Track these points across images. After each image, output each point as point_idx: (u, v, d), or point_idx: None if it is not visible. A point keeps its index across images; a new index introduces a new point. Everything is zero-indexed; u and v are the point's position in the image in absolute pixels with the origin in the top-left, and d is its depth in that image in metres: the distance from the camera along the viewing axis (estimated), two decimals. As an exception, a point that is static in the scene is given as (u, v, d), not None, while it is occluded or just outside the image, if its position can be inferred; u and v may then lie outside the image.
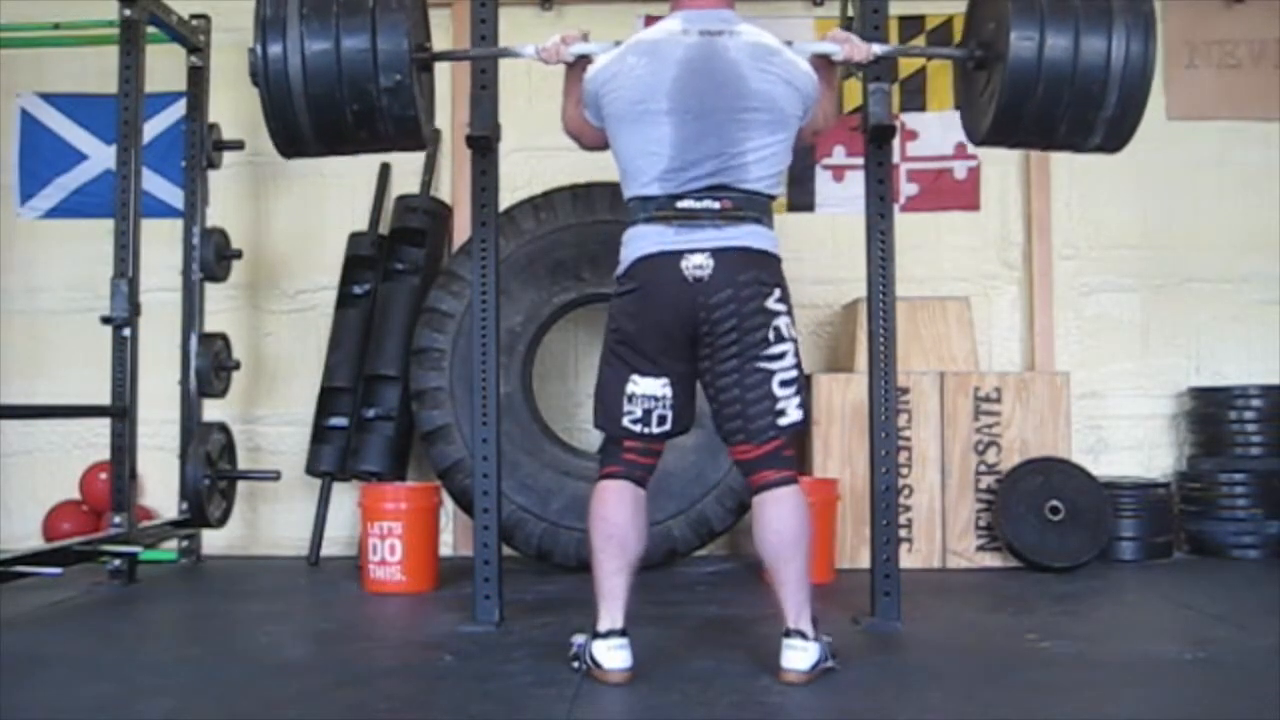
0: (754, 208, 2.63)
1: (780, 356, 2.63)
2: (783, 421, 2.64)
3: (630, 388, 2.67)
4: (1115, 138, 2.90)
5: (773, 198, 2.70)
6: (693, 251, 2.57)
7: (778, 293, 2.64)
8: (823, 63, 2.86)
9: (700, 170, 2.60)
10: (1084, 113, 2.82)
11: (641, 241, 2.64)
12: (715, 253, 2.57)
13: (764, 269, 2.63)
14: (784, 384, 2.64)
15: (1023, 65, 2.76)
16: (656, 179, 2.62)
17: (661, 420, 2.68)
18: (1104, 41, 2.75)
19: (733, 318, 2.59)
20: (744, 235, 2.61)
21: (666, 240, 2.60)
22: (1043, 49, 2.75)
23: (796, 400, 2.66)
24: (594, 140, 2.85)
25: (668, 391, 2.67)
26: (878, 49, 2.97)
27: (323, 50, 2.74)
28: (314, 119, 2.80)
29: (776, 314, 2.63)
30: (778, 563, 2.63)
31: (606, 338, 2.77)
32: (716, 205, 2.59)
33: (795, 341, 2.68)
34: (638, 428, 2.68)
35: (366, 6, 2.76)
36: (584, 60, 2.84)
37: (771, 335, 2.62)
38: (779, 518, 2.63)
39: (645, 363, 2.66)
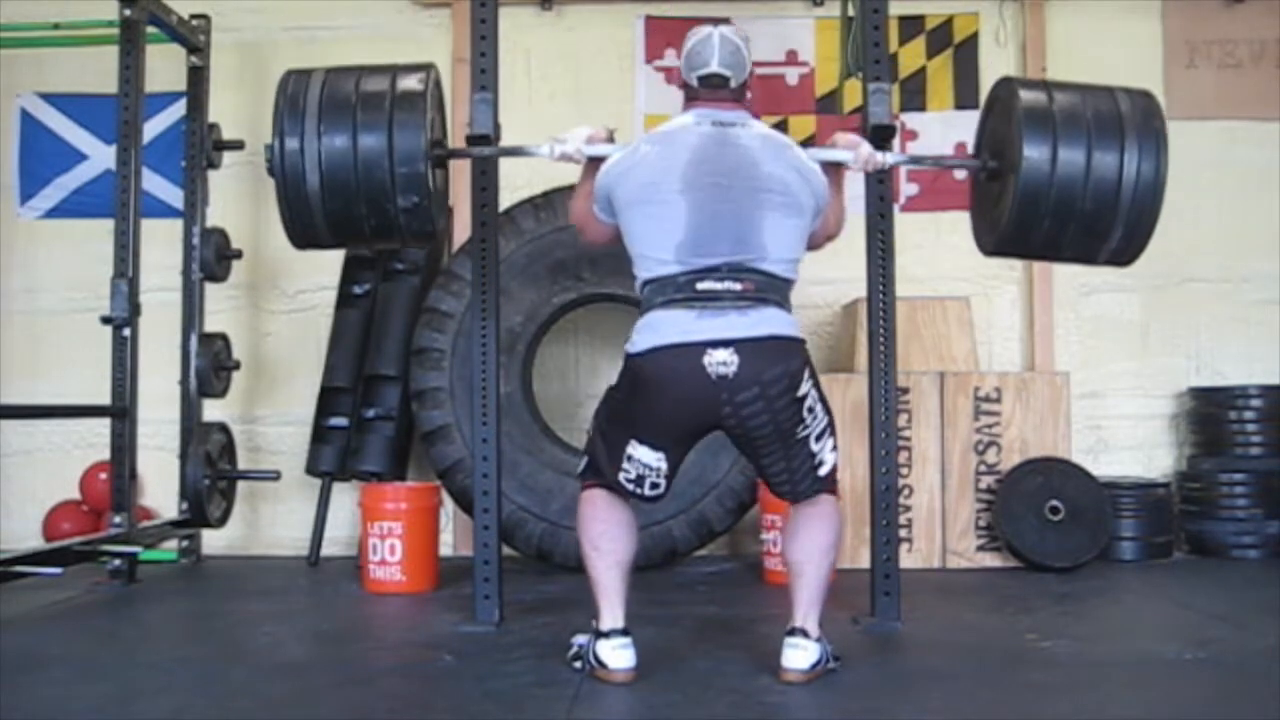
0: (774, 291, 2.56)
1: (813, 421, 2.61)
2: (822, 472, 2.65)
3: (630, 449, 2.63)
4: (1124, 255, 2.90)
5: (791, 282, 2.62)
6: (716, 345, 2.47)
7: (805, 373, 2.58)
8: (831, 169, 2.82)
9: (717, 247, 2.53)
10: (1094, 230, 2.82)
11: (660, 328, 2.54)
12: (739, 346, 2.48)
13: (790, 359, 2.55)
14: (818, 438, 2.63)
15: (1034, 182, 2.76)
16: (673, 255, 2.54)
17: (654, 486, 2.67)
18: (1115, 157, 2.75)
19: (764, 413, 2.52)
20: (767, 321, 2.53)
21: (688, 330, 2.50)
22: (1054, 168, 2.74)
23: (830, 443, 2.66)
24: (597, 234, 2.81)
25: (663, 465, 2.65)
26: (890, 158, 2.97)
27: (341, 183, 2.74)
28: (333, 231, 2.83)
29: (806, 395, 2.58)
30: (802, 561, 2.65)
31: (610, 399, 2.72)
32: (738, 287, 2.51)
33: (818, 387, 2.63)
34: (630, 486, 2.67)
35: (383, 124, 2.74)
36: (599, 159, 2.79)
37: (805, 414, 2.59)
38: (816, 517, 2.66)
39: (647, 437, 2.62)
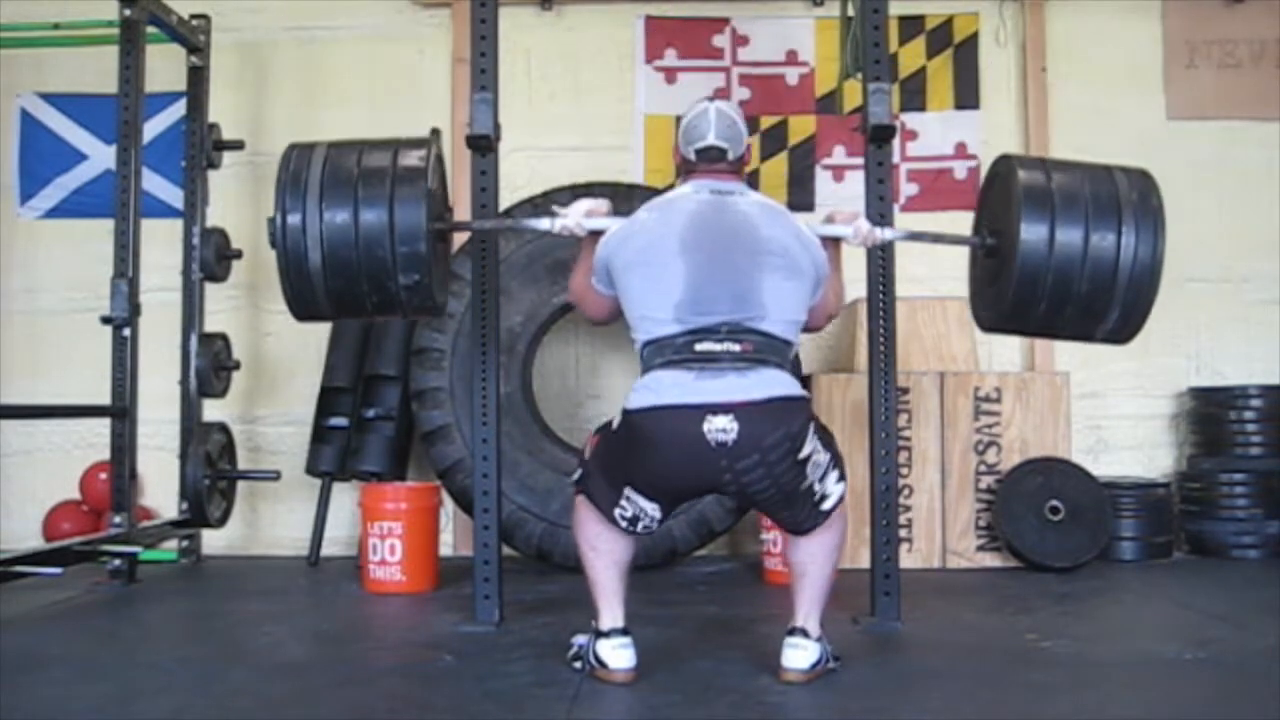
0: (774, 352, 2.53)
1: (814, 470, 2.57)
2: (825, 507, 2.61)
3: (627, 492, 2.61)
4: (1121, 335, 2.89)
5: (791, 345, 2.59)
6: (715, 411, 2.43)
7: (808, 432, 2.53)
8: (830, 244, 2.82)
9: (717, 306, 2.51)
10: (1091, 311, 2.81)
11: (658, 388, 2.51)
12: (739, 412, 2.43)
13: (792, 420, 2.50)
14: (821, 479, 2.59)
15: (1031, 263, 2.75)
16: (672, 315, 2.52)
17: (647, 528, 2.66)
18: (1113, 238, 2.74)
19: (765, 479, 2.49)
20: (767, 383, 2.49)
21: (686, 391, 2.47)
22: (1052, 250, 2.74)
23: (834, 477, 2.63)
24: (596, 308, 2.79)
25: (658, 514, 2.63)
26: (888, 234, 2.98)
27: (343, 261, 2.73)
28: (334, 306, 2.83)
29: (809, 456, 2.53)
30: (804, 562, 2.65)
31: (609, 441, 2.68)
32: (737, 348, 2.49)
33: (820, 436, 2.59)
34: (623, 523, 2.64)
35: (384, 202, 2.73)
36: (599, 233, 2.78)
37: (809, 470, 2.55)
38: (820, 527, 2.64)
39: (644, 490, 2.60)
